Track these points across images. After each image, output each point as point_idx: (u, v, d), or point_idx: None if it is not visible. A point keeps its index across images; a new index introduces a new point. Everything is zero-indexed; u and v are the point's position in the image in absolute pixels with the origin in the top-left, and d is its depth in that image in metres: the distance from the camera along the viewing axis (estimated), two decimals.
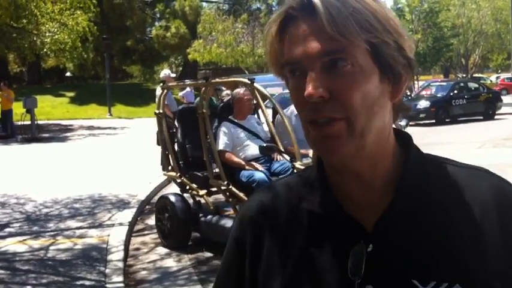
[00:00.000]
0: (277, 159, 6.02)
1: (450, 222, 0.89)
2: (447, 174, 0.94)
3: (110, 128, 22.22)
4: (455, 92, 23.20)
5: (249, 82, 5.67)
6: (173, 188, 10.18)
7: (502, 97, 26.65)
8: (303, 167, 3.80)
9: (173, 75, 12.98)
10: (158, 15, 41.23)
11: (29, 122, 18.55)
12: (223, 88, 12.93)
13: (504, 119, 22.64)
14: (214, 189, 6.34)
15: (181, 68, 46.09)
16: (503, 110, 24.88)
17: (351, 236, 0.91)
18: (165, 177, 10.59)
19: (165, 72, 11.88)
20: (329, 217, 0.93)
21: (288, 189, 1.01)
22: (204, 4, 43.15)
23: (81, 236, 6.81)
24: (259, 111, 6.78)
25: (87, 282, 5.30)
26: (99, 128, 22.46)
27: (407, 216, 0.90)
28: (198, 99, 12.17)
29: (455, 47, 38.42)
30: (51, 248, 6.34)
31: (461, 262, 0.87)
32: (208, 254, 6.32)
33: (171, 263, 6.12)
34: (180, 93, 19.89)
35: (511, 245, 0.88)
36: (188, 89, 18.91)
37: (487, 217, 0.89)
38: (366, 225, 0.91)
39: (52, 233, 6.95)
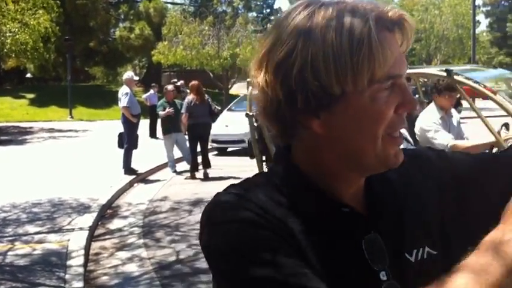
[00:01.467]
0: None
1: (410, 194, 0.99)
2: None
3: (71, 130, 21.85)
4: (417, 96, 23.59)
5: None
6: (135, 193, 10.11)
7: (462, 101, 27.16)
8: None
9: (136, 78, 12.85)
10: (122, 17, 40.80)
11: None
12: (187, 90, 12.89)
13: (464, 123, 23.02)
14: None
15: (145, 70, 45.69)
16: (463, 114, 25.15)
17: (351, 228, 0.92)
18: (127, 180, 10.53)
19: (128, 74, 11.75)
20: (326, 215, 0.92)
21: (266, 192, 0.92)
22: (169, 6, 42.91)
23: (40, 241, 6.66)
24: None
25: None
26: (60, 130, 22.06)
27: (386, 200, 0.97)
28: (161, 101, 12.09)
29: (418, 52, 39.11)
30: (9, 253, 6.19)
31: (426, 226, 0.97)
32: (171, 259, 6.26)
33: (132, 267, 6.04)
34: (144, 96, 19.78)
35: (434, 192, 1.02)
36: (152, 91, 18.84)
37: (419, 179, 1.02)
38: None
39: (10, 238, 6.78)
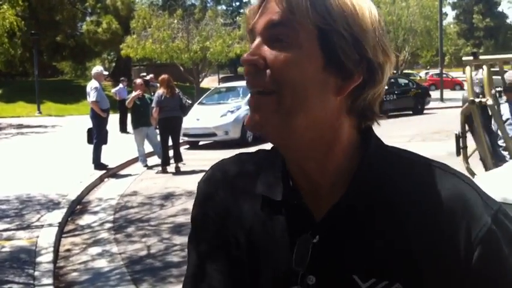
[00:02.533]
0: None
1: (402, 221, 0.86)
2: (408, 170, 0.90)
3: (39, 126, 21.53)
4: (386, 87, 23.39)
5: None
6: (105, 188, 10.02)
7: (431, 92, 27.54)
8: None
9: (106, 72, 12.72)
10: (89, 10, 40.28)
11: None
12: (157, 84, 12.80)
13: (433, 114, 23.41)
14: None
15: (114, 64, 45.22)
16: (431, 104, 25.75)
17: (299, 225, 0.90)
18: (97, 176, 10.42)
19: (97, 68, 11.61)
20: (282, 202, 0.92)
21: (247, 166, 1.00)
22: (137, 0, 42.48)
23: (8, 238, 6.56)
24: None
25: (15, 286, 5.11)
26: (28, 126, 21.72)
27: (358, 212, 0.87)
28: (130, 94, 11.99)
29: None
30: None
31: (405, 262, 0.84)
32: (142, 253, 6.22)
33: (103, 263, 5.98)
34: (113, 90, 19.56)
35: (458, 246, 0.84)
36: (121, 85, 18.66)
37: (442, 221, 0.85)
38: (315, 216, 0.90)
39: None
